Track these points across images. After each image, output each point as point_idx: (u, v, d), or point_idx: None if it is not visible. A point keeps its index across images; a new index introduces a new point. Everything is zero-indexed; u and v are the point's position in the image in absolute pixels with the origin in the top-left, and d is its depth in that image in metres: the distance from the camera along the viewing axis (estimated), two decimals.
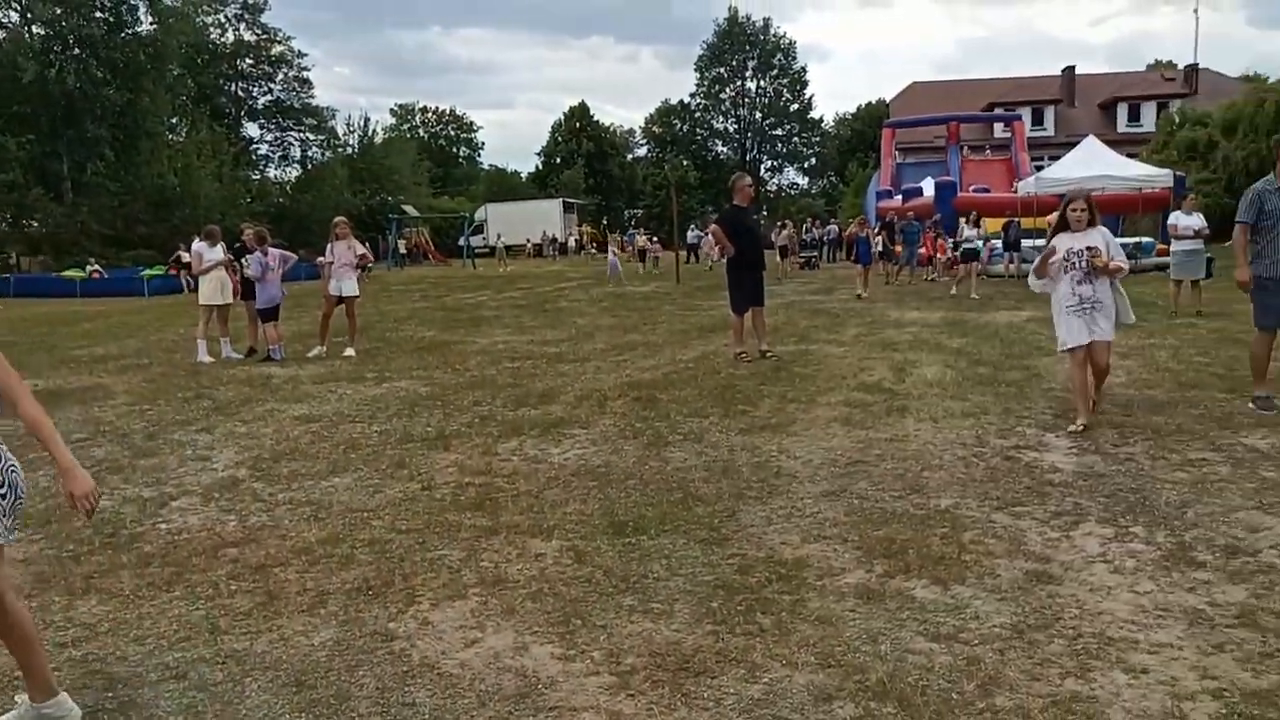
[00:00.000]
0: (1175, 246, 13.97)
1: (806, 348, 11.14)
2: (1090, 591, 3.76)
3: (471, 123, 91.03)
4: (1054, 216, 6.90)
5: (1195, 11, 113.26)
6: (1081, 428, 6.31)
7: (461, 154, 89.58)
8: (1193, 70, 51.74)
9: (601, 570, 4.15)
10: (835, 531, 4.57)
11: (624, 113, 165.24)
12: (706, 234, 38.00)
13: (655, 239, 33.24)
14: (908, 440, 6.34)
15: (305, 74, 56.72)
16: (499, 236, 47.47)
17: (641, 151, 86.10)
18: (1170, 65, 58.58)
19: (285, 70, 56.06)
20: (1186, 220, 13.82)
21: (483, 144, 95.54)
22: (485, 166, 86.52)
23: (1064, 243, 6.53)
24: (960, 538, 4.40)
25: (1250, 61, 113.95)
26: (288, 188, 54.64)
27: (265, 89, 56.43)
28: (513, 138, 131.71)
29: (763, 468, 5.76)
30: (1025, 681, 3.07)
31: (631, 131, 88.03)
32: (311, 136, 57.19)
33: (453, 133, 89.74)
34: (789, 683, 3.11)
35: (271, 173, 57.06)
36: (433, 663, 3.36)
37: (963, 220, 21.33)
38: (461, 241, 49.75)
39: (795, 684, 3.10)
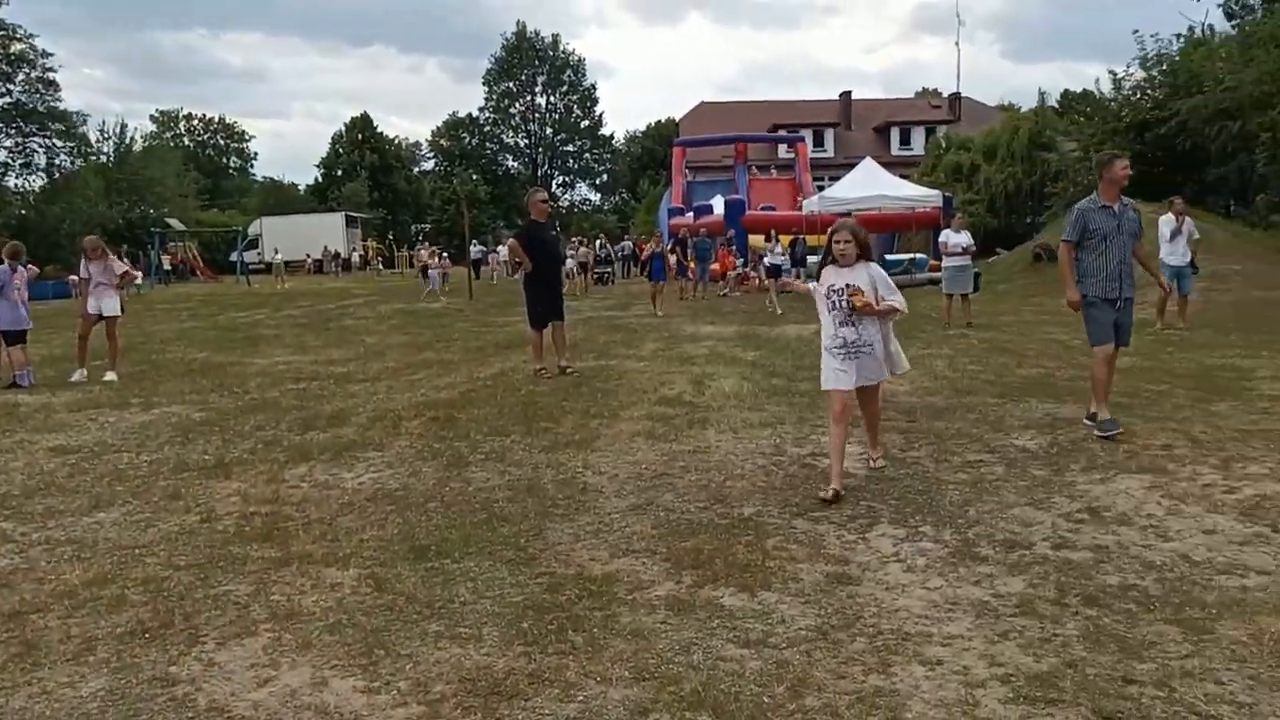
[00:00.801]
0: (946, 263, 15.07)
1: (606, 363, 11.20)
2: (887, 590, 3.93)
3: (243, 132, 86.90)
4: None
5: (956, 44, 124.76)
6: (833, 494, 5.24)
7: (233, 164, 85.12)
8: (956, 98, 55.72)
9: (404, 597, 3.97)
10: (643, 545, 4.58)
11: (409, 125, 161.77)
12: (496, 250, 37.70)
13: (444, 254, 32.51)
14: (710, 451, 6.46)
15: (50, 75, 51.54)
16: (276, 252, 44.81)
17: (429, 165, 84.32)
18: (936, 93, 63.09)
19: (26, 70, 50.73)
20: (956, 238, 14.94)
21: (256, 154, 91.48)
22: (259, 178, 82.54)
23: (828, 277, 5.60)
24: (764, 544, 4.51)
25: (1005, 92, 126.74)
26: (31, 199, 49.70)
27: (3, 90, 51.08)
28: (289, 148, 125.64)
29: (568, 484, 5.70)
30: (832, 680, 3.16)
31: (418, 144, 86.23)
32: (59, 143, 51.84)
33: (222, 142, 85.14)
34: (604, 699, 3.07)
35: (11, 182, 51.56)
36: (221, 706, 3.10)
37: (769, 239, 22.32)
38: (234, 257, 46.98)
39: (610, 700, 3.06)
